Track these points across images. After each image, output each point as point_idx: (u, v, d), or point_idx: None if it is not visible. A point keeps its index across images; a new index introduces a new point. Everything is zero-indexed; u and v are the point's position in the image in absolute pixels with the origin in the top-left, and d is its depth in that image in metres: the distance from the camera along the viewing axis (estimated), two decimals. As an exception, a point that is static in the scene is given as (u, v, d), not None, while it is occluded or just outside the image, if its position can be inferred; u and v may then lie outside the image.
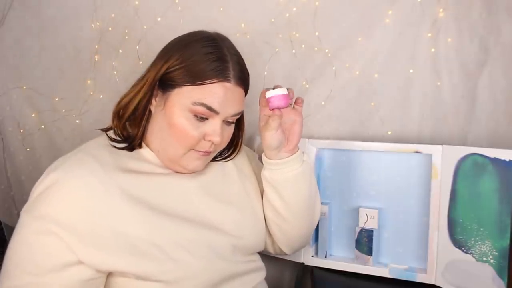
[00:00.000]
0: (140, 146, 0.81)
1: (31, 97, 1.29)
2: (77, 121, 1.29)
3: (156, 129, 0.79)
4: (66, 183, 0.69)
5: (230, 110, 0.78)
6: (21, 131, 1.30)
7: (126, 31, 1.24)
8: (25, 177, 1.32)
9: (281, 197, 0.87)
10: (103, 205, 0.69)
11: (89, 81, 1.28)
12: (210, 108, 0.75)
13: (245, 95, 0.84)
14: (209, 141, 0.78)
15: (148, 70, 0.79)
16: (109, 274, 0.72)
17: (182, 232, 0.74)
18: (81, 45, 1.27)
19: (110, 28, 1.25)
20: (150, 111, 0.79)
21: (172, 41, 0.81)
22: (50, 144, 1.31)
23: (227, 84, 0.76)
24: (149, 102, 0.78)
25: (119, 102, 0.80)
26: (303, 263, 1.11)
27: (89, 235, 0.68)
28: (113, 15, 1.24)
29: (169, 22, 1.22)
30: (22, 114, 1.30)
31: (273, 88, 0.83)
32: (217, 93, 0.75)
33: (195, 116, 0.76)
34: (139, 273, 0.70)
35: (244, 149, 0.97)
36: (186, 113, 0.75)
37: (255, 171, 0.95)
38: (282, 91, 0.80)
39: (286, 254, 1.01)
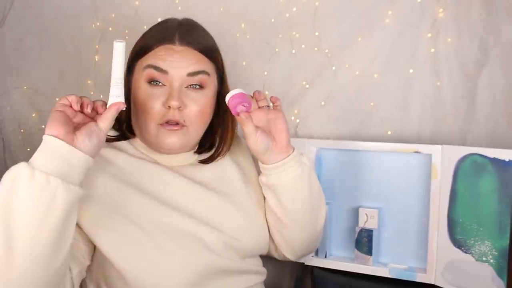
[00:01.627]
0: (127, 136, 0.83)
1: (32, 97, 1.29)
2: (77, 121, 1.29)
3: (135, 118, 0.80)
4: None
5: (182, 70, 0.75)
6: (22, 131, 1.30)
7: (126, 31, 1.25)
8: (25, 177, 1.32)
9: (280, 202, 0.83)
10: (93, 186, 0.72)
11: (89, 81, 1.28)
12: (156, 68, 0.75)
13: (209, 59, 0.81)
14: (169, 107, 0.75)
15: None
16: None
17: (170, 221, 0.74)
18: (81, 45, 1.27)
19: (110, 28, 1.25)
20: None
21: None
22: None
23: (171, 46, 0.77)
24: (130, 88, 0.80)
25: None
26: (303, 263, 1.11)
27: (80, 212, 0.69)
28: (113, 15, 1.24)
29: (169, 22, 1.22)
30: (23, 114, 1.30)
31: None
32: (162, 54, 0.76)
33: (149, 83, 0.76)
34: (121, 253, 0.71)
35: (247, 148, 0.93)
36: (142, 84, 0.76)
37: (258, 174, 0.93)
38: (235, 91, 0.77)
39: (291, 260, 0.96)
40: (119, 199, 0.74)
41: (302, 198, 0.83)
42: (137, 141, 0.83)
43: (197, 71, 0.77)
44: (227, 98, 0.77)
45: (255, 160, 0.94)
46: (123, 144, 0.82)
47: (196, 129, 0.79)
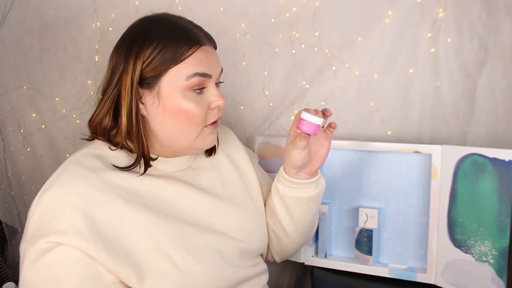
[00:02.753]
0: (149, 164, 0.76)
1: (32, 97, 1.29)
2: (77, 121, 1.30)
3: (157, 129, 0.75)
4: (65, 200, 0.65)
5: (217, 69, 0.77)
6: (22, 131, 1.30)
7: (126, 31, 1.24)
8: (25, 177, 1.32)
9: (290, 214, 0.87)
10: (105, 214, 0.67)
11: (89, 81, 1.28)
12: (204, 74, 0.73)
13: None
14: (215, 107, 0.76)
15: (113, 80, 0.73)
16: None
17: (190, 239, 0.72)
18: (81, 45, 1.27)
19: (110, 28, 1.25)
20: (142, 117, 0.75)
21: (122, 40, 0.76)
22: (50, 144, 1.31)
23: (205, 47, 0.75)
24: (138, 109, 0.73)
25: (94, 124, 0.76)
26: (303, 263, 1.11)
27: (102, 243, 0.65)
28: (113, 15, 1.24)
29: (169, 22, 1.22)
30: (23, 114, 1.30)
31: (315, 111, 0.80)
32: (202, 58, 0.73)
33: (194, 90, 0.73)
34: (150, 284, 0.67)
35: (245, 149, 0.95)
36: (185, 92, 0.72)
37: (257, 174, 0.93)
38: (317, 120, 0.77)
39: (275, 262, 1.00)
40: (137, 227, 0.69)
41: (312, 214, 0.89)
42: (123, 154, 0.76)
43: (222, 69, 0.79)
44: (304, 116, 0.77)
45: (254, 161, 0.95)
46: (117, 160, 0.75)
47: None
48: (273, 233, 0.91)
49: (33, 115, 1.30)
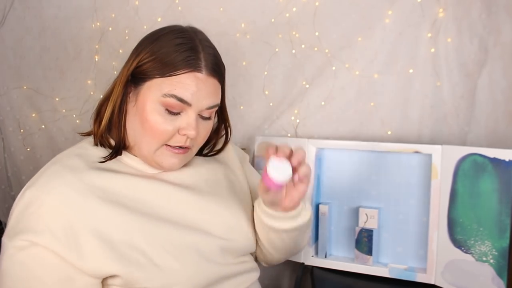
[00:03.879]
0: (120, 153, 0.78)
1: (32, 97, 1.29)
2: (77, 121, 1.30)
3: (130, 127, 0.77)
4: (42, 199, 0.67)
5: (204, 102, 0.74)
6: (22, 131, 1.30)
7: (126, 31, 1.25)
8: (25, 177, 1.32)
9: (268, 238, 0.84)
10: (82, 214, 0.68)
11: (89, 81, 1.28)
12: (181, 100, 0.72)
13: (222, 88, 0.80)
14: (184, 135, 0.74)
15: (122, 69, 0.78)
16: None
17: (167, 236, 0.72)
18: (81, 45, 1.27)
19: (110, 28, 1.25)
20: (127, 111, 0.77)
21: (144, 37, 0.79)
22: (50, 144, 1.31)
23: (199, 75, 0.72)
24: (124, 101, 0.76)
25: (97, 108, 0.79)
26: (303, 263, 1.11)
27: (74, 245, 0.66)
28: (113, 15, 1.24)
29: (169, 22, 1.20)
30: (23, 114, 1.30)
31: (285, 154, 0.71)
32: (188, 84, 0.72)
33: (167, 110, 0.72)
34: (126, 280, 0.68)
35: (234, 148, 0.94)
36: (158, 107, 0.72)
37: (246, 174, 0.92)
38: (281, 178, 0.69)
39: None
40: (113, 225, 0.69)
41: (292, 242, 0.85)
42: (118, 159, 0.78)
43: (214, 105, 0.77)
44: (269, 169, 0.70)
45: (244, 161, 0.95)
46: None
47: (197, 149, 0.81)
48: (259, 243, 0.89)
49: (33, 115, 1.30)
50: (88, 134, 0.82)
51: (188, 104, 0.73)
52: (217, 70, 0.76)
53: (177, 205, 0.76)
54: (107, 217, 0.69)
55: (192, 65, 0.72)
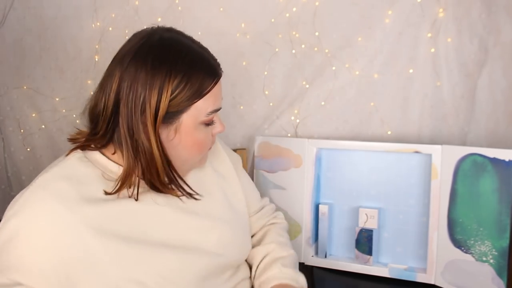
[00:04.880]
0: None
1: (32, 97, 1.29)
2: (77, 121, 1.30)
3: (169, 155, 0.71)
4: (29, 234, 0.62)
5: (221, 98, 0.75)
6: (22, 131, 1.30)
7: (126, 31, 1.24)
8: (25, 177, 1.32)
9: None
10: (74, 249, 0.63)
11: (89, 81, 1.28)
12: (218, 109, 0.73)
13: None
14: (216, 134, 0.77)
15: (127, 105, 0.65)
16: None
17: (164, 262, 0.69)
18: (81, 45, 1.27)
19: (110, 28, 1.25)
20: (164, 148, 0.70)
21: (136, 61, 0.66)
22: (50, 144, 1.31)
23: (219, 79, 0.73)
24: (163, 145, 0.68)
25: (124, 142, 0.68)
26: (303, 263, 1.11)
27: (67, 285, 0.62)
28: (113, 15, 1.24)
29: (169, 22, 1.21)
30: (23, 114, 1.30)
31: None
32: (218, 92, 0.72)
33: (206, 124, 0.72)
34: None
35: (226, 152, 0.90)
36: (200, 127, 0.71)
37: (241, 179, 0.90)
38: None
39: None
40: (108, 260, 0.65)
41: None
42: (107, 168, 0.71)
43: None
44: None
45: (237, 165, 0.92)
46: (90, 178, 0.69)
47: None
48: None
49: (33, 115, 1.30)
50: (76, 139, 0.74)
51: (220, 109, 0.74)
52: (219, 63, 0.74)
53: (172, 226, 0.72)
54: (102, 253, 0.64)
55: (216, 73, 0.71)
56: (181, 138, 0.70)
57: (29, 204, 0.64)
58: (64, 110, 1.29)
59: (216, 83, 0.70)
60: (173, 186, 0.71)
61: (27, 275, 0.61)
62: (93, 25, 1.26)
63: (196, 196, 0.74)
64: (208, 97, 0.69)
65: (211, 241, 0.76)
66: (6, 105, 1.29)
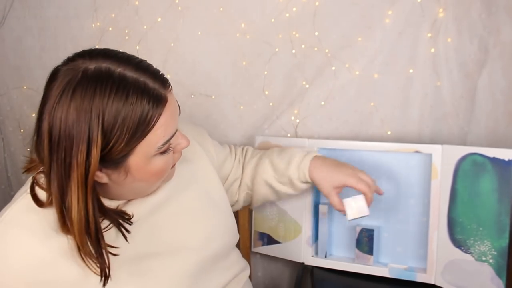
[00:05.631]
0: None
1: (32, 97, 1.29)
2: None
3: (121, 191, 0.67)
4: (3, 268, 0.60)
5: (178, 117, 0.67)
6: (22, 131, 1.30)
7: (126, 31, 1.24)
8: (25, 177, 1.31)
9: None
10: (53, 278, 0.62)
11: (89, 81, 1.28)
12: (172, 136, 0.65)
13: None
14: (180, 150, 0.71)
15: (57, 170, 0.58)
16: None
17: (155, 272, 0.68)
18: (81, 45, 1.26)
19: (110, 28, 1.25)
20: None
21: (64, 119, 0.58)
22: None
23: (167, 102, 0.62)
24: (94, 207, 0.61)
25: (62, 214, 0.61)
26: (303, 263, 1.11)
27: None
28: (113, 15, 1.24)
29: (169, 22, 1.22)
30: (23, 114, 1.30)
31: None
32: (169, 120, 0.62)
33: (163, 152, 0.65)
34: None
35: (190, 134, 0.77)
36: (156, 158, 0.64)
37: (213, 160, 0.86)
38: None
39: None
40: (93, 284, 0.63)
41: None
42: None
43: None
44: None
45: (207, 147, 0.88)
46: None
47: None
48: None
49: (33, 115, 1.30)
50: (31, 167, 0.70)
51: (176, 132, 0.66)
52: (163, 77, 0.63)
53: (155, 233, 0.71)
54: (82, 275, 0.62)
55: (158, 103, 0.60)
56: (134, 177, 0.63)
57: (3, 247, 0.62)
58: (64, 110, 1.29)
59: (161, 113, 0.60)
60: (93, 257, 0.62)
61: None
62: (93, 25, 1.26)
63: (106, 282, 0.64)
64: (154, 131, 0.60)
65: (196, 237, 0.75)
66: (6, 105, 1.29)
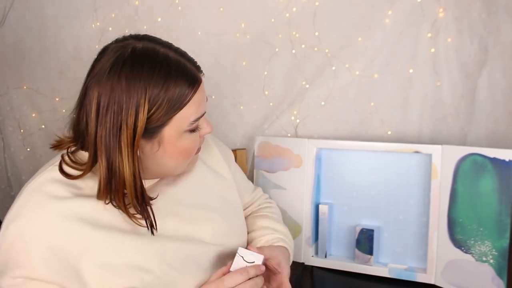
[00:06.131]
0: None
1: (32, 97, 1.29)
2: (77, 121, 1.30)
3: (151, 166, 0.72)
4: (30, 234, 0.63)
5: (206, 101, 0.75)
6: (22, 131, 1.30)
7: (126, 31, 1.24)
8: (25, 177, 1.32)
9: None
10: (75, 244, 0.64)
11: (89, 81, 1.28)
12: (202, 115, 0.72)
13: None
14: (204, 135, 0.77)
15: (102, 124, 0.64)
16: None
17: (165, 251, 0.71)
18: (81, 45, 1.27)
19: (110, 28, 1.25)
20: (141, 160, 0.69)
21: (109, 77, 0.64)
22: (50, 144, 1.31)
23: (201, 84, 0.71)
24: (138, 165, 0.66)
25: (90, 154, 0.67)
26: (303, 263, 1.11)
27: (75, 275, 0.64)
28: (113, 15, 1.24)
29: (169, 22, 1.22)
30: (23, 114, 1.30)
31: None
32: (201, 98, 0.71)
33: (192, 130, 0.71)
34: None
35: (218, 148, 0.91)
36: (184, 135, 0.70)
37: (233, 174, 0.92)
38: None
39: None
40: (108, 249, 0.66)
41: None
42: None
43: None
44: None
45: (230, 161, 0.93)
46: (80, 183, 0.69)
47: None
48: None
49: (33, 115, 1.30)
50: (60, 145, 0.74)
51: (204, 114, 0.73)
52: (198, 65, 0.73)
53: (169, 219, 0.74)
54: (101, 243, 0.66)
55: (195, 80, 0.69)
56: (165, 150, 0.69)
57: (25, 208, 0.65)
58: (64, 110, 1.29)
59: (196, 91, 0.69)
60: (139, 210, 0.68)
61: (35, 270, 0.63)
62: (93, 25, 1.26)
63: (154, 231, 0.70)
64: (189, 107, 0.68)
65: (206, 232, 0.78)
66: (6, 105, 1.29)
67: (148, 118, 0.65)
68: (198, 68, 0.72)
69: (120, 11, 1.24)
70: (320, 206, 1.11)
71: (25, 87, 1.29)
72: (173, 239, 0.73)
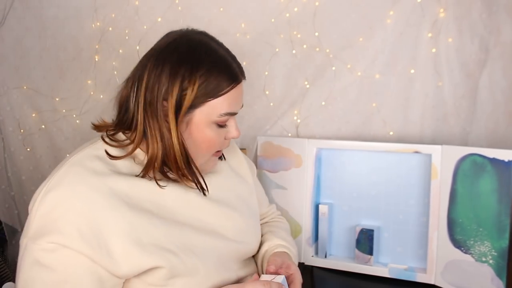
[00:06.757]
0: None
1: (32, 97, 1.29)
2: (77, 121, 1.30)
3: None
4: (69, 204, 0.66)
5: (241, 104, 0.79)
6: (22, 131, 1.30)
7: (126, 31, 1.24)
8: (25, 177, 1.32)
9: None
10: (110, 219, 0.67)
11: (89, 81, 1.28)
12: (233, 113, 0.76)
13: None
14: (230, 138, 0.79)
15: (150, 92, 0.71)
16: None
17: (191, 239, 0.74)
18: (81, 45, 1.27)
19: (110, 28, 1.25)
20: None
21: (164, 55, 0.73)
22: (50, 144, 1.31)
23: (240, 84, 0.76)
24: (181, 135, 0.73)
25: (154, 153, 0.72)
26: (303, 263, 1.11)
27: (106, 249, 0.66)
28: (113, 15, 1.24)
29: (169, 22, 1.22)
30: (23, 114, 1.30)
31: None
32: (235, 97, 0.75)
33: (218, 125, 0.75)
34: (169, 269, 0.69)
35: (244, 157, 0.96)
36: (212, 126, 0.75)
37: (255, 182, 0.96)
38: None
39: None
40: (140, 228, 0.69)
41: None
42: (136, 156, 0.75)
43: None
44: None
45: (253, 172, 0.98)
46: (122, 164, 0.73)
47: None
48: None
49: (33, 115, 1.30)
50: (101, 126, 0.78)
51: (236, 114, 0.77)
52: (243, 70, 0.78)
53: (196, 211, 0.77)
54: (134, 221, 0.68)
55: (236, 78, 0.74)
56: (191, 132, 0.74)
57: (66, 178, 0.68)
58: (64, 110, 1.29)
59: (233, 87, 0.74)
60: (189, 176, 0.74)
61: (70, 238, 0.64)
62: (93, 25, 1.26)
63: (205, 192, 0.77)
64: (223, 99, 0.73)
65: (228, 228, 0.81)
66: (6, 105, 1.29)
67: (183, 95, 0.71)
68: (242, 71, 0.77)
69: (120, 11, 1.24)
70: (320, 206, 1.11)
71: (25, 87, 1.29)
72: (199, 230, 0.76)
